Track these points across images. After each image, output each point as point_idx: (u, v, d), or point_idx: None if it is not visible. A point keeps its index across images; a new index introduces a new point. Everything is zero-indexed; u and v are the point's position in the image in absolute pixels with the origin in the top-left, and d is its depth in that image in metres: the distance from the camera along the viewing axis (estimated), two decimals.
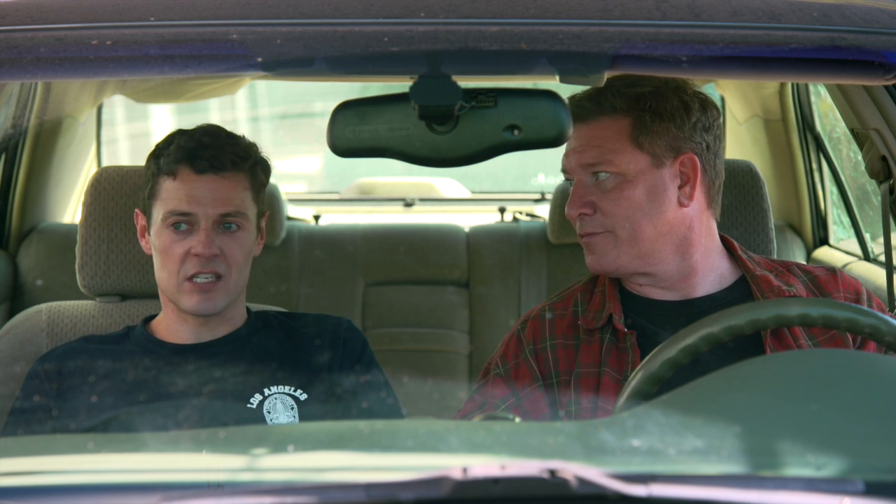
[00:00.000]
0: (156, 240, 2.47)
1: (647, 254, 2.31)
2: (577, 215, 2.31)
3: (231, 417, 2.39)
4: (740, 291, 2.33)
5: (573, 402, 2.28)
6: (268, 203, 3.48)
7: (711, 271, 2.34)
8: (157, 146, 2.51)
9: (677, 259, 2.32)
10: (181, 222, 2.44)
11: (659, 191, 2.29)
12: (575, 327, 2.35)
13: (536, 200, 5.15)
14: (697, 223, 2.32)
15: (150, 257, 2.52)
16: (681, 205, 2.30)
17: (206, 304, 2.44)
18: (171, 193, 2.44)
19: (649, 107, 2.28)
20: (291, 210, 4.72)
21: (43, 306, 2.69)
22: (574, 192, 2.32)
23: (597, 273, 2.35)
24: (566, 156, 2.34)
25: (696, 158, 2.31)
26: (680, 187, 2.30)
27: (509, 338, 2.39)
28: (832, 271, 2.37)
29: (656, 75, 2.27)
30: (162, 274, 2.47)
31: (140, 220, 2.53)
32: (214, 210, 2.43)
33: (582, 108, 2.30)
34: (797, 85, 4.18)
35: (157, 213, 2.47)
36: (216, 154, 2.45)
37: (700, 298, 2.33)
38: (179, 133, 2.50)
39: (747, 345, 2.21)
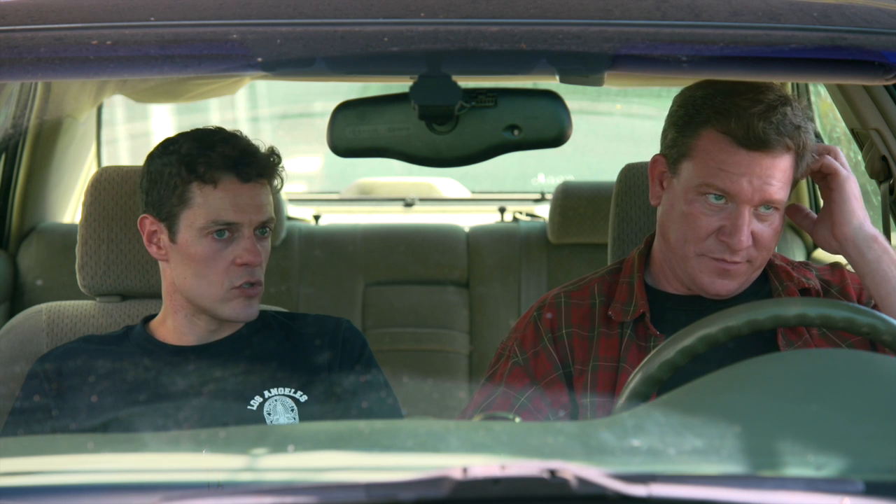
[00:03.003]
0: (190, 248, 2.39)
1: (755, 275, 2.30)
2: (745, 247, 2.22)
3: (231, 419, 2.39)
4: (758, 282, 2.32)
5: (589, 394, 2.26)
6: None
7: None
8: (180, 152, 2.39)
9: None
10: (224, 230, 2.38)
11: (783, 217, 2.27)
12: (591, 319, 2.32)
13: (536, 200, 5.14)
14: None
15: (152, 258, 2.51)
16: None
17: (250, 311, 2.42)
18: (214, 202, 2.37)
19: (809, 138, 2.22)
20: (291, 210, 4.72)
21: (43, 306, 2.69)
22: (744, 222, 2.20)
23: (718, 297, 2.27)
24: (740, 178, 2.19)
25: None
26: None
27: (525, 324, 2.35)
28: (836, 266, 2.38)
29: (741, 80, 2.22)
30: (199, 282, 2.40)
31: (148, 226, 2.43)
32: (257, 217, 2.40)
33: (773, 141, 2.18)
34: (797, 85, 4.17)
35: (192, 220, 2.38)
36: (258, 161, 2.40)
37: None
38: (198, 138, 2.41)
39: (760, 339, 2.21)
